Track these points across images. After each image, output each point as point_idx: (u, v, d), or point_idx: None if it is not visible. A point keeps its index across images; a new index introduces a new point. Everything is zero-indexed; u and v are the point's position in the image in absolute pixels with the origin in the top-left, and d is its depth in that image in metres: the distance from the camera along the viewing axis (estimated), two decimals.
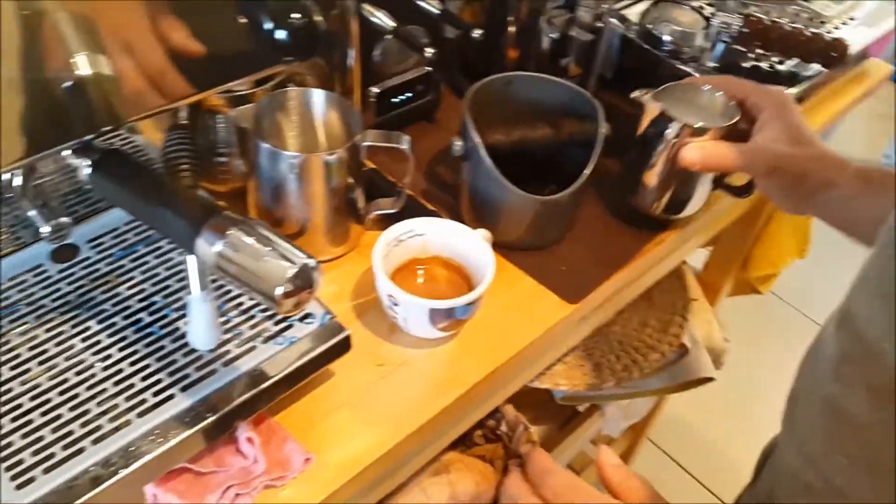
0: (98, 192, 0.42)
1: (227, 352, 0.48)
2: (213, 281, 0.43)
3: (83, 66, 0.37)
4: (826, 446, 0.48)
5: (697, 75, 0.70)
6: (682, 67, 0.72)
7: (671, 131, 0.59)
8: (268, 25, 0.30)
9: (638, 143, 0.63)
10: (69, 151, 0.41)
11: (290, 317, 0.50)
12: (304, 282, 0.39)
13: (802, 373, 0.58)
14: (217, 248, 0.38)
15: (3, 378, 0.45)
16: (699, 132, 0.58)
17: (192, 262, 0.41)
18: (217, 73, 0.42)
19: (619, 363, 0.83)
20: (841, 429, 0.47)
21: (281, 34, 0.30)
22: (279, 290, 0.38)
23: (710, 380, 0.93)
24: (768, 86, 0.60)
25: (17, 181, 0.44)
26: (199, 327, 0.43)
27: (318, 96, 0.58)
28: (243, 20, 0.32)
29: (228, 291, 0.52)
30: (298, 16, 0.30)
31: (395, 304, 0.54)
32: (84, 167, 0.41)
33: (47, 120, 0.37)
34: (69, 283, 0.50)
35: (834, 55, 0.73)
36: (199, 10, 0.39)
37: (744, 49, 0.74)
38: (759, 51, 0.74)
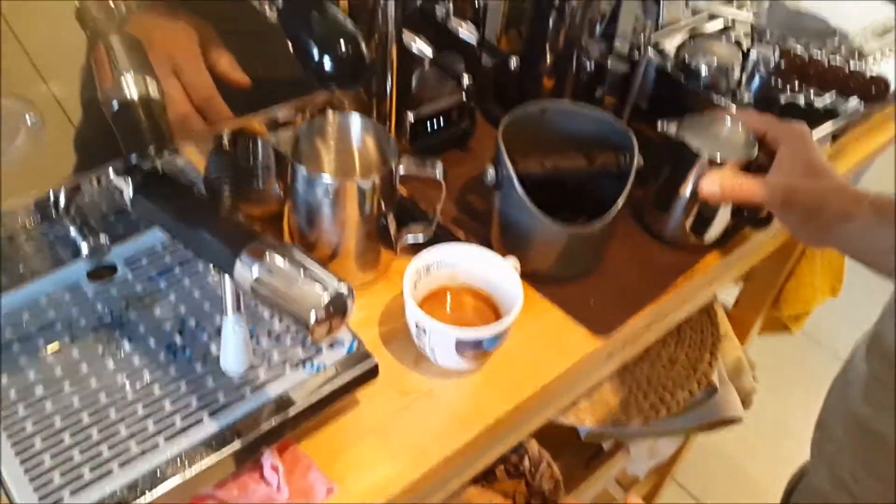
0: (138, 212, 0.43)
1: (256, 377, 0.48)
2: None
3: (131, 88, 0.37)
4: (856, 467, 0.48)
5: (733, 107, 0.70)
6: (719, 100, 0.71)
7: (693, 161, 0.62)
8: (315, 54, 0.31)
9: (661, 171, 0.66)
10: (113, 171, 0.42)
11: (319, 342, 0.50)
12: (337, 308, 0.38)
13: (832, 397, 0.57)
14: (255, 271, 0.38)
15: (36, 396, 0.45)
16: (720, 163, 0.61)
17: (228, 285, 0.41)
18: (261, 98, 0.43)
19: (647, 401, 0.81)
20: (871, 450, 0.46)
21: (328, 63, 0.30)
22: (313, 316, 0.38)
23: (737, 420, 0.91)
24: (787, 120, 0.61)
25: (61, 200, 0.44)
26: (232, 350, 0.43)
27: (355, 121, 0.59)
28: (290, 48, 0.32)
29: (260, 316, 0.52)
30: (346, 46, 0.31)
31: (423, 333, 0.53)
32: (126, 188, 0.42)
33: (94, 140, 0.38)
34: (104, 303, 0.51)
35: (874, 91, 0.72)
36: (247, 38, 0.39)
37: (781, 83, 0.73)
38: (797, 85, 0.73)
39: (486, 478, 0.68)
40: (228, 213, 0.45)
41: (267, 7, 0.33)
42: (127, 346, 0.48)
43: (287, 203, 0.58)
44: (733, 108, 0.68)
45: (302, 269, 0.38)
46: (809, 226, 0.57)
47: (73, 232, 0.45)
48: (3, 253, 0.51)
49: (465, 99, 0.70)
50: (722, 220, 0.67)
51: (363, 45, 0.32)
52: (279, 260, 0.38)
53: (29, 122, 0.34)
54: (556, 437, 0.83)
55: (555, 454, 0.80)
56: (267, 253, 0.38)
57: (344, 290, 0.38)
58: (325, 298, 0.38)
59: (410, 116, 0.67)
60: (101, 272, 0.52)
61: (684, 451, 1.22)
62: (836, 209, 0.54)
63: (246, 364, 0.44)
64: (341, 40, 0.31)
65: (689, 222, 0.66)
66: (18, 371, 0.46)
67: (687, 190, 0.64)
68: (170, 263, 0.54)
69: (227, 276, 0.39)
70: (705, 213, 0.66)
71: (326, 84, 0.31)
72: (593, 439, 0.87)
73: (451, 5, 0.62)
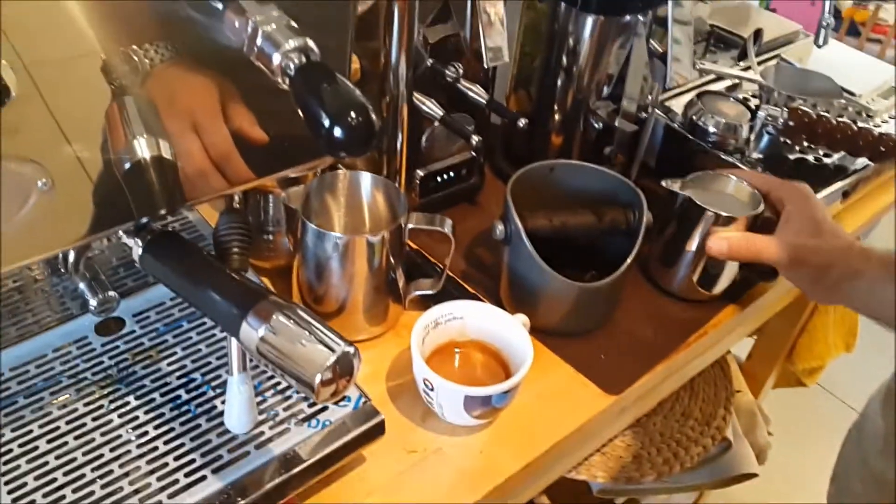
0: (147, 269, 0.43)
1: (261, 433, 0.47)
2: (250, 360, 0.43)
3: (143, 150, 0.38)
4: None
5: (743, 167, 0.71)
6: (727, 158, 0.72)
7: (699, 219, 0.62)
8: (326, 124, 0.31)
9: (668, 228, 0.66)
10: (123, 232, 0.42)
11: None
12: (343, 369, 0.38)
13: (846, 450, 0.56)
14: (261, 332, 0.38)
15: (39, 451, 0.45)
16: (726, 221, 0.61)
17: (234, 344, 0.41)
18: (277, 158, 0.43)
19: (660, 456, 0.79)
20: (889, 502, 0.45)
21: (339, 133, 0.31)
22: (318, 378, 0.37)
23: (752, 476, 0.89)
24: (790, 181, 0.62)
25: (71, 256, 0.45)
26: (236, 410, 0.43)
27: (365, 178, 0.60)
28: (302, 117, 0.33)
29: (265, 370, 0.52)
30: (357, 117, 0.31)
31: (431, 390, 0.53)
32: (135, 247, 0.42)
33: (106, 201, 0.39)
34: (111, 357, 0.51)
35: (882, 150, 0.72)
36: (266, 97, 0.40)
37: (790, 142, 0.74)
38: (805, 143, 0.74)
39: None
40: (237, 271, 0.45)
41: (279, 77, 0.34)
42: (132, 400, 0.48)
43: (296, 257, 0.58)
44: (736, 169, 0.69)
45: (308, 330, 0.38)
46: (818, 284, 0.57)
47: (81, 286, 0.46)
48: (12, 305, 0.52)
49: (473, 156, 0.71)
50: (729, 273, 0.66)
51: (373, 115, 0.32)
52: (285, 321, 0.38)
53: (40, 186, 0.35)
54: (568, 493, 0.81)
55: None
56: (273, 314, 0.38)
57: (350, 351, 0.38)
58: (331, 360, 0.37)
59: (420, 172, 0.68)
60: (109, 325, 0.52)
61: None
62: (844, 267, 0.55)
63: (250, 424, 0.43)
64: (352, 112, 0.31)
65: (695, 276, 0.66)
66: (23, 425, 0.46)
67: (693, 246, 0.64)
68: (177, 317, 0.54)
69: (232, 336, 0.39)
70: (712, 268, 0.66)
71: (336, 152, 0.32)
72: (606, 495, 0.84)
73: (460, 67, 0.63)
